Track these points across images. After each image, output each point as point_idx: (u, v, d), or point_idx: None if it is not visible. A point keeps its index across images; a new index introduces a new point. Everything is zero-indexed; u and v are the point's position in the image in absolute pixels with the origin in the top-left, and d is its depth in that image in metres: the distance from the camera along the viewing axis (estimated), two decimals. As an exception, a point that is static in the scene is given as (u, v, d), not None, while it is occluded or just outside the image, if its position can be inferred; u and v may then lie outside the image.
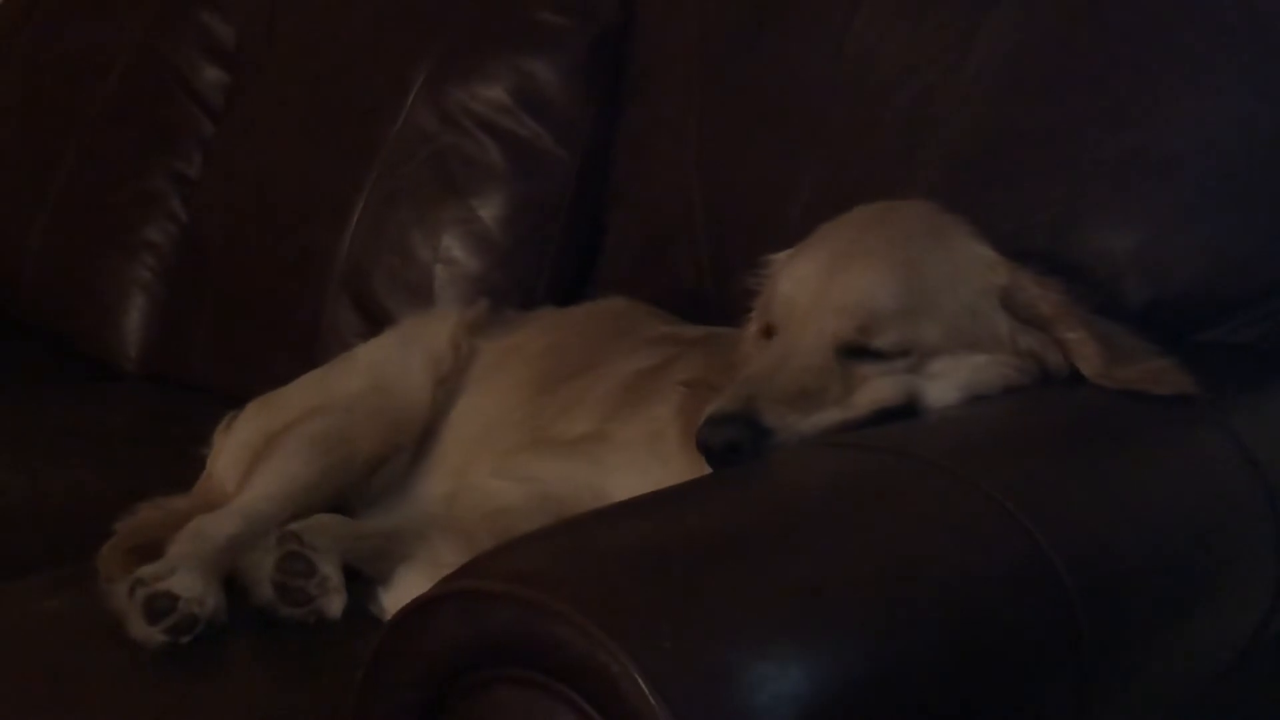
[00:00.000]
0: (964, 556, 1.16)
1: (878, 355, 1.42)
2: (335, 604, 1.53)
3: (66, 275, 2.71)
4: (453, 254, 2.25)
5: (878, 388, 1.41)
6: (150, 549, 1.64)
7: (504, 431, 1.77)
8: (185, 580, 1.49)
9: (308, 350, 2.29)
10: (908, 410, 1.42)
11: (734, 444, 1.34)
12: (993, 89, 1.75)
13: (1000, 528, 1.19)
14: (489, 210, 2.24)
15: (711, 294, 1.97)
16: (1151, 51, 1.66)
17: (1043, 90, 1.72)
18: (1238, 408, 1.51)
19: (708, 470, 1.36)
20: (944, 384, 1.43)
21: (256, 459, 1.78)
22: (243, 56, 2.63)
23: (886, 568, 1.12)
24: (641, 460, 1.55)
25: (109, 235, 2.67)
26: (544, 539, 1.13)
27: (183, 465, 1.96)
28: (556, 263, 2.23)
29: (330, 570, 1.53)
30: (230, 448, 1.90)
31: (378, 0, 2.43)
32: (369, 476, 1.80)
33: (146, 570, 1.51)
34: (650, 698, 0.96)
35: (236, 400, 2.02)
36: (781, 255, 1.56)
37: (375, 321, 2.25)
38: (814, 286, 1.45)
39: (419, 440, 1.84)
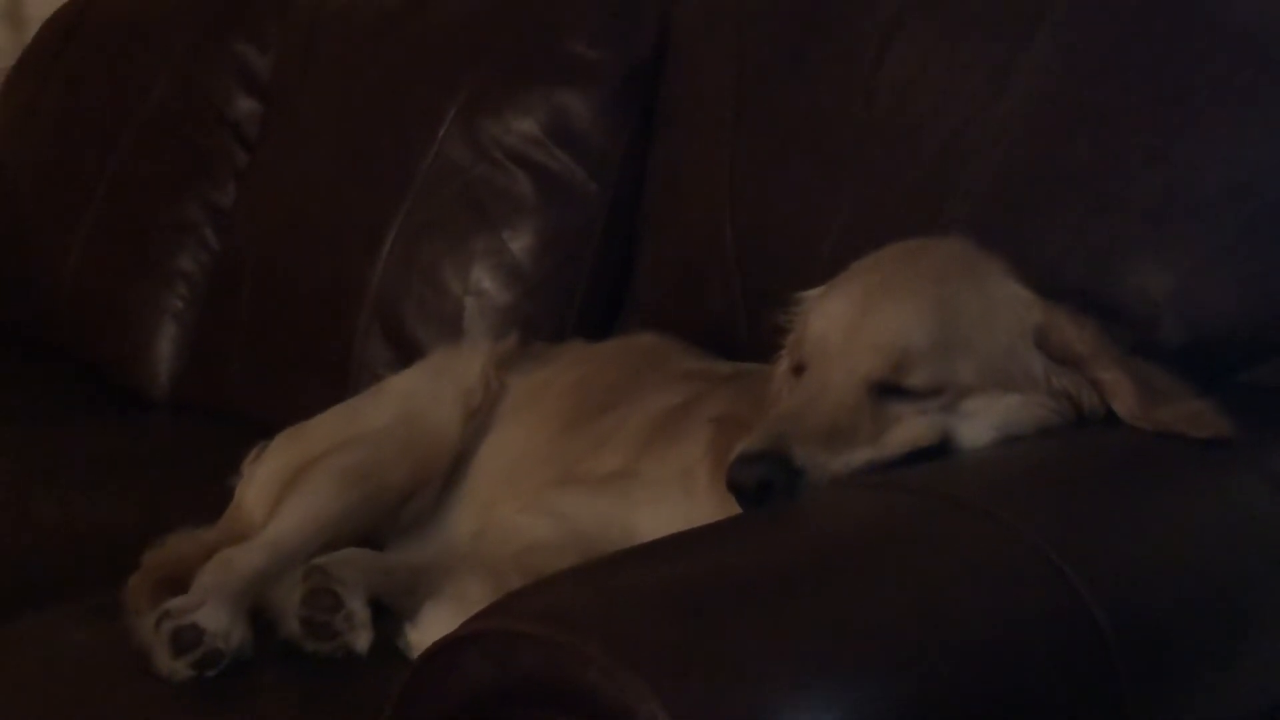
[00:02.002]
0: (999, 601, 1.15)
1: (910, 394, 1.40)
2: (362, 639, 1.52)
3: (100, 302, 2.73)
4: (483, 286, 2.25)
5: (910, 427, 1.40)
6: (178, 581, 1.63)
7: (533, 467, 1.76)
8: (211, 614, 1.49)
9: (339, 380, 2.29)
10: (941, 450, 1.41)
11: (765, 483, 1.33)
12: (1027, 126, 1.74)
13: (1036, 572, 1.18)
14: (520, 242, 2.24)
15: (743, 329, 1.96)
16: (1191, 88, 1.64)
17: (1079, 127, 1.70)
18: (1276, 450, 1.48)
19: (738, 509, 1.34)
20: (978, 424, 1.42)
21: (285, 491, 1.77)
22: (277, 87, 2.64)
23: (920, 612, 1.11)
24: (671, 497, 1.54)
25: (142, 263, 2.69)
26: (573, 579, 1.12)
27: (212, 495, 1.95)
28: (587, 296, 2.23)
29: (357, 605, 1.52)
30: (259, 479, 1.89)
31: (412, 32, 2.45)
32: (398, 510, 1.80)
33: (173, 603, 1.51)
34: (680, 743, 0.94)
35: (267, 430, 2.02)
36: (814, 292, 1.55)
37: (406, 352, 2.24)
38: (846, 324, 1.44)
39: (448, 474, 1.84)
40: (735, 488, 1.33)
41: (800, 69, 1.99)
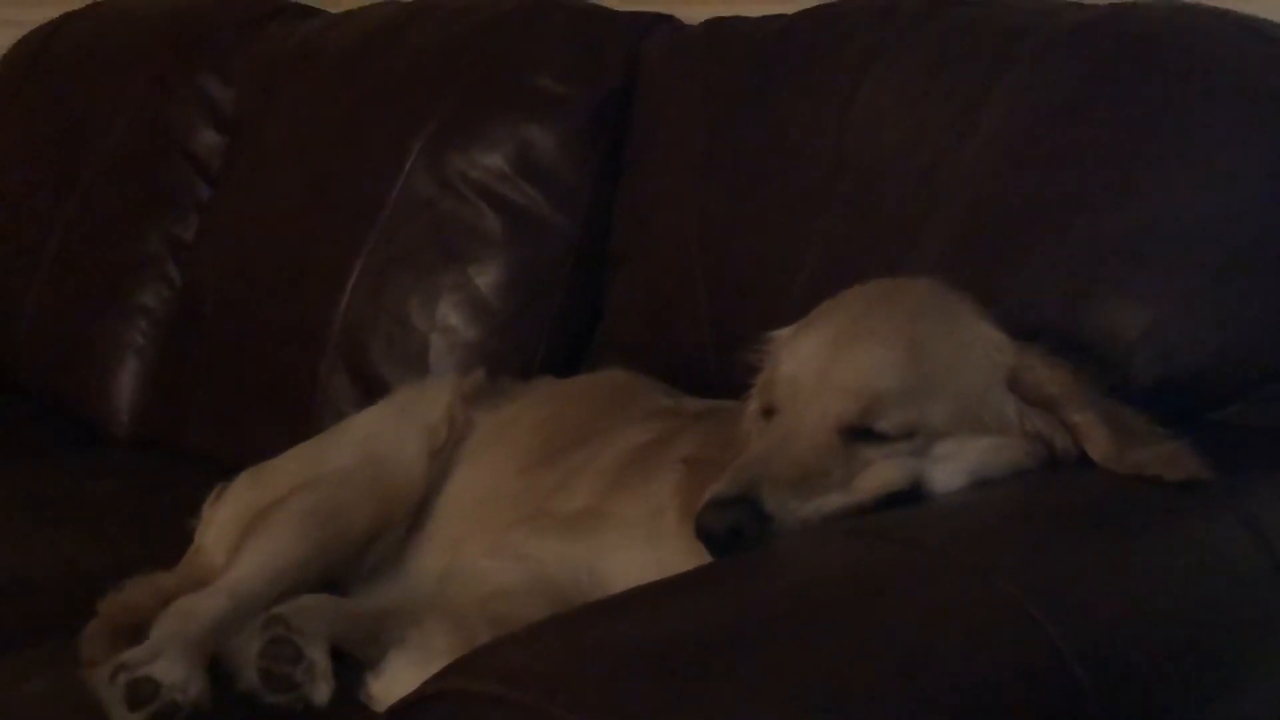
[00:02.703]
0: (975, 653, 1.13)
1: (882, 437, 1.39)
2: (322, 691, 1.50)
3: (60, 337, 2.69)
4: (450, 322, 2.22)
5: (882, 471, 1.38)
6: (136, 628, 1.61)
7: (500, 506, 1.74)
8: (168, 665, 1.46)
9: (302, 418, 2.26)
10: (913, 494, 1.39)
11: (735, 529, 1.31)
12: (999, 162, 1.73)
13: (1013, 625, 1.16)
14: (487, 278, 2.22)
15: (713, 365, 1.94)
16: (1159, 128, 1.63)
17: (1050, 164, 1.69)
18: (1252, 491, 1.47)
19: (707, 553, 1.32)
20: (950, 467, 1.40)
21: (245, 534, 1.74)
22: (241, 120, 2.62)
23: (896, 664, 1.08)
24: (640, 540, 1.53)
25: (103, 298, 2.65)
26: (539, 635, 1.09)
27: (173, 537, 1.92)
28: (555, 331, 2.21)
29: (317, 655, 1.49)
30: (219, 521, 1.87)
31: (378, 65, 2.43)
32: (361, 553, 1.77)
33: (130, 654, 1.48)
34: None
35: (230, 468, 1.99)
36: (784, 332, 1.54)
37: (371, 389, 2.21)
38: (817, 366, 1.42)
39: (413, 515, 1.81)
40: (705, 535, 1.32)
41: (769, 106, 1.98)
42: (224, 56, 2.67)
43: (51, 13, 3.00)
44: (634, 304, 2.11)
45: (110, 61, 2.81)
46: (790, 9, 2.09)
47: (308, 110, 2.48)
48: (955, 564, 1.20)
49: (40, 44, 2.95)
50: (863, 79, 1.91)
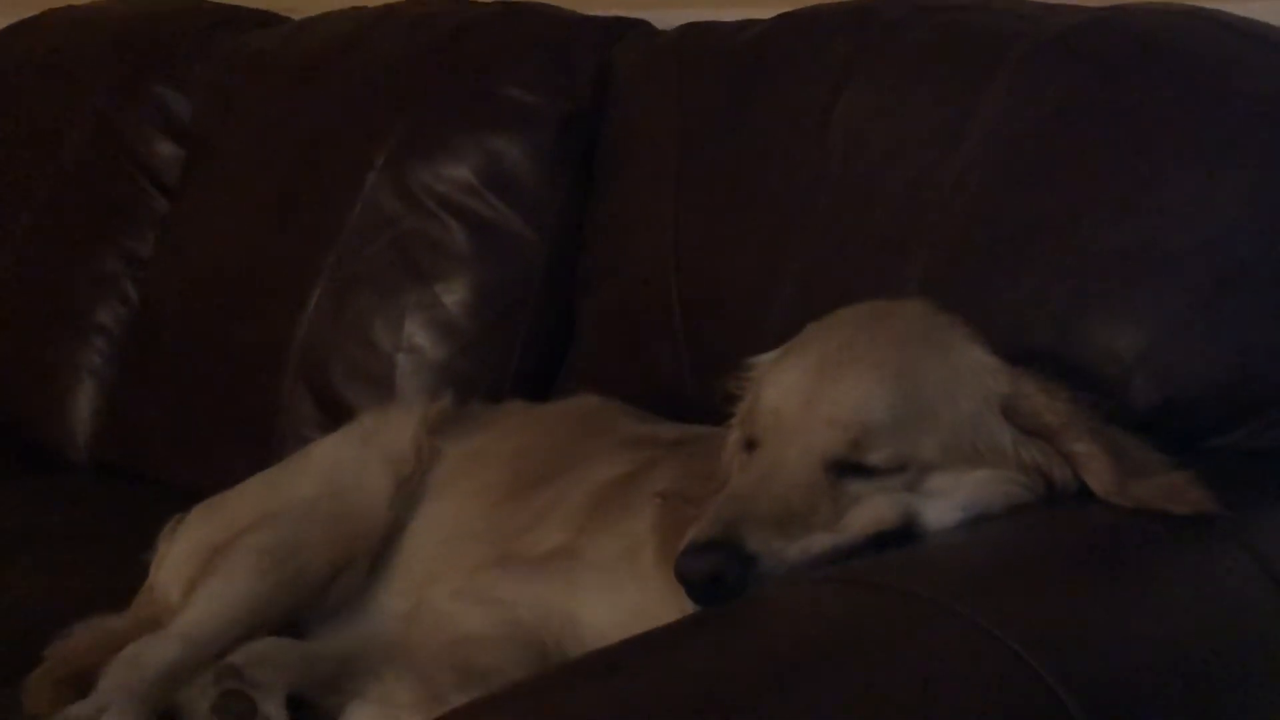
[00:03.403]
0: (975, 710, 1.06)
1: (871, 472, 1.33)
2: (278, 747, 1.42)
3: (14, 358, 2.63)
4: (416, 341, 2.17)
5: (872, 508, 1.32)
6: (84, 675, 1.55)
7: (468, 543, 1.68)
8: None
9: (263, 442, 2.21)
10: (904, 532, 1.32)
11: (717, 575, 1.24)
12: (988, 175, 1.68)
13: (1014, 680, 1.10)
14: (454, 296, 2.17)
15: (690, 389, 1.89)
16: (1159, 138, 1.58)
17: (1042, 176, 1.64)
18: (1259, 523, 1.41)
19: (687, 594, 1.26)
20: (943, 503, 1.34)
21: (200, 572, 1.68)
22: (199, 131, 2.56)
23: (891, 728, 1.01)
24: (616, 581, 1.47)
25: (58, 317, 2.59)
26: (507, 702, 1.02)
27: (128, 571, 1.86)
28: (526, 352, 2.15)
29: (272, 710, 1.45)
30: (174, 557, 1.80)
31: (339, 75, 2.38)
32: (322, 591, 1.70)
33: (73, 710, 1.44)
34: None
35: (188, 494, 1.94)
36: (766, 358, 1.48)
37: (334, 413, 2.16)
38: (801, 396, 1.36)
39: (377, 551, 1.74)
40: (685, 581, 1.26)
41: (746, 116, 1.93)
42: (181, 66, 2.62)
43: (2, 21, 2.93)
44: (607, 324, 2.06)
45: (63, 72, 2.75)
46: (767, 13, 2.04)
47: (267, 121, 2.43)
48: (952, 615, 1.14)
49: (-10, 55, 2.87)
50: (842, 88, 1.85)
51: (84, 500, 2.35)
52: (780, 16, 2.01)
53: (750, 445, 1.40)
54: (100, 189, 2.62)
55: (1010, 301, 1.60)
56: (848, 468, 1.32)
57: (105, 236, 2.58)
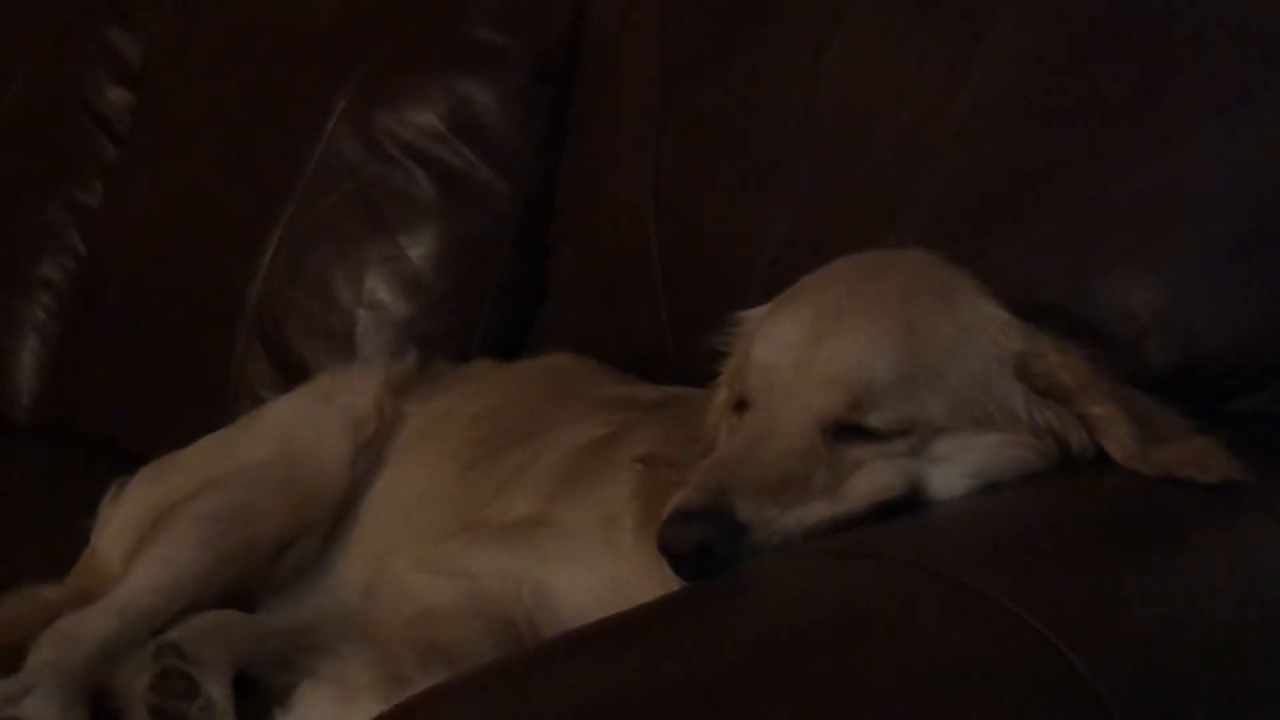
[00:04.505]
0: (998, 698, 0.97)
1: (872, 435, 1.26)
2: (222, 731, 1.37)
3: (-46, 314, 2.59)
4: (379, 297, 2.13)
5: (873, 475, 1.24)
6: (16, 649, 1.48)
7: (432, 510, 1.64)
8: (40, 704, 1.35)
9: (216, 403, 2.19)
10: (909, 501, 1.25)
11: (704, 546, 1.16)
12: (992, 120, 1.60)
13: (1036, 660, 1.02)
14: (420, 248, 2.14)
15: (670, 348, 1.86)
16: (1178, 76, 1.50)
17: (1050, 121, 1.56)
18: (1287, 491, 1.32)
19: (669, 566, 1.18)
20: (951, 469, 1.27)
21: (144, 539, 1.63)
22: (150, 75, 2.52)
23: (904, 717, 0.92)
24: (592, 551, 1.41)
25: (2, 270, 2.53)
26: (474, 688, 0.95)
27: (68, 537, 1.82)
28: (496, 308, 2.12)
29: (215, 690, 1.37)
30: (117, 522, 1.76)
31: (297, 15, 2.35)
32: (274, 561, 1.66)
33: None
34: None
35: (135, 457, 1.93)
36: (757, 311, 1.40)
37: (290, 372, 2.15)
38: (796, 353, 1.28)
39: (334, 518, 1.70)
40: (670, 553, 1.17)
41: (732, 60, 1.88)
42: (132, 7, 2.58)
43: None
44: (582, 279, 2.02)
45: (5, 12, 2.68)
46: (755, -53, 1.97)
47: (221, 64, 2.39)
48: (966, 590, 1.06)
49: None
50: (836, 29, 1.80)
51: (25, 463, 2.32)
52: (771, -48, 1.96)
53: (740, 406, 1.32)
54: (46, 136, 2.57)
55: (1014, 257, 1.52)
56: (847, 431, 1.25)
57: (51, 186, 2.53)
